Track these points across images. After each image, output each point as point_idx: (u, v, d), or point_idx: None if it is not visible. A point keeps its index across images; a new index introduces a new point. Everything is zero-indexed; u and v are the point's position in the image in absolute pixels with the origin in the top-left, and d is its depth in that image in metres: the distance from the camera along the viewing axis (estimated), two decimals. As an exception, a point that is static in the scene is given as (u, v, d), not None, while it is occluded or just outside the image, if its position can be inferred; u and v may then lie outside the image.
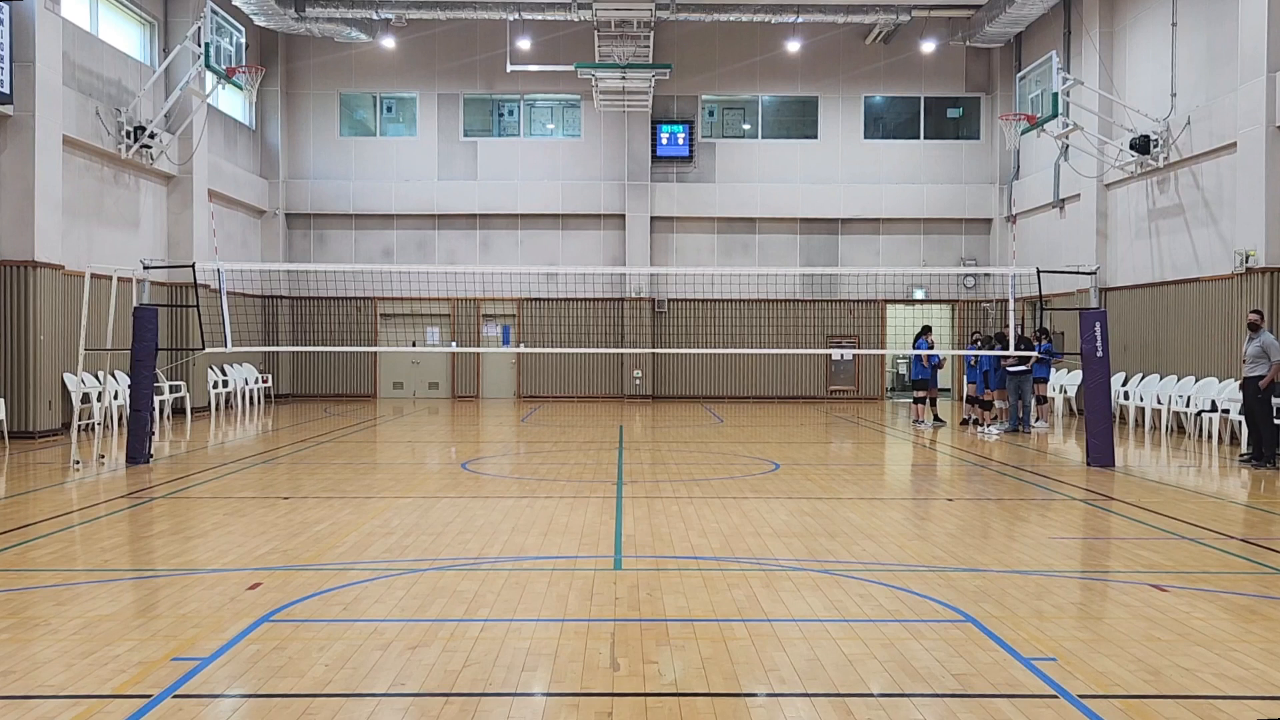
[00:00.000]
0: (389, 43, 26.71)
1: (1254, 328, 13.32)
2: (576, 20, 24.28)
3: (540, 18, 24.52)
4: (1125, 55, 21.09)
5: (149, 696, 4.77)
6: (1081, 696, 4.81)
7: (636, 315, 27.05)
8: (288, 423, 20.32)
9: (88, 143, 18.44)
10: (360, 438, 17.54)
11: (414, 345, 27.15)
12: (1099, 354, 13.46)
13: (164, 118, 20.59)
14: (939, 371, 19.99)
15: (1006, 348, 16.21)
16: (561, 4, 23.69)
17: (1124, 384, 19.61)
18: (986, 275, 27.20)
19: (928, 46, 26.84)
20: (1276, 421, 13.27)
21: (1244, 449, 13.97)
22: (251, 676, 5.08)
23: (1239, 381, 13.98)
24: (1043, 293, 15.09)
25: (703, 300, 27.00)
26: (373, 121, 28.01)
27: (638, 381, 27.19)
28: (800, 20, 24.62)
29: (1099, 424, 13.42)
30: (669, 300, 27.29)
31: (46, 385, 16.65)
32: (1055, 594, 6.81)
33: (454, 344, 27.01)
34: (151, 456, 13.55)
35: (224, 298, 14.46)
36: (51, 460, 13.80)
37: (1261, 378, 13.03)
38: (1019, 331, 18.08)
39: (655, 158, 27.38)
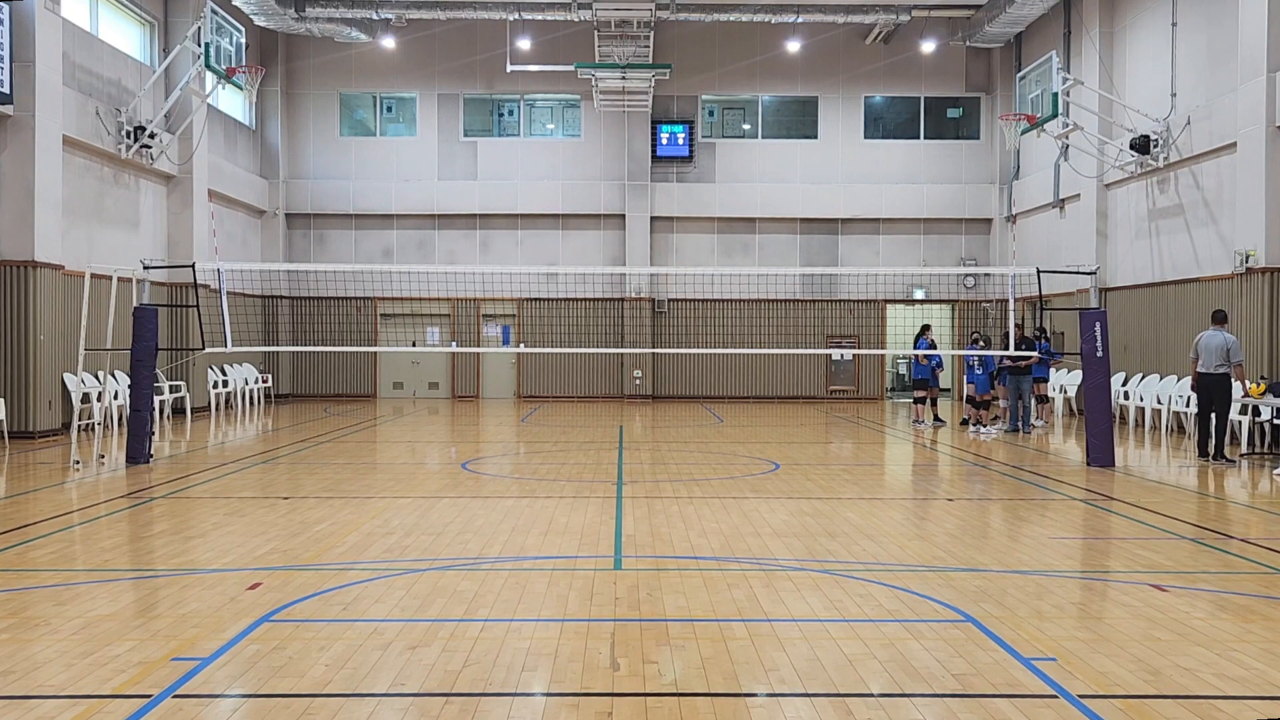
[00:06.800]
0: (389, 43, 26.71)
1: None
2: (576, 20, 24.27)
3: (540, 18, 24.51)
4: (1125, 55, 21.08)
5: (149, 696, 4.77)
6: (1081, 696, 4.81)
7: (636, 315, 27.05)
8: (288, 423, 20.31)
9: (88, 143, 18.43)
10: (360, 438, 17.54)
11: (414, 345, 27.15)
12: (1099, 354, 13.47)
13: (164, 118, 20.58)
14: (939, 371, 19.95)
15: (1006, 347, 16.21)
16: (561, 4, 23.68)
17: (1124, 384, 19.60)
18: (986, 275, 27.20)
19: (928, 46, 26.83)
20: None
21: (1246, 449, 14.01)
22: (251, 676, 5.08)
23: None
24: (1043, 293, 15.09)
25: (703, 300, 27.00)
26: (373, 121, 28.01)
27: (638, 381, 27.18)
28: (800, 20, 24.61)
29: (1099, 424, 13.42)
30: (669, 300, 27.29)
31: (46, 385, 16.65)
32: (1055, 594, 6.81)
33: (454, 344, 27.00)
34: (151, 456, 13.55)
35: (224, 298, 14.46)
36: (51, 460, 13.80)
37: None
38: (1019, 331, 18.07)
39: (655, 158, 27.37)
